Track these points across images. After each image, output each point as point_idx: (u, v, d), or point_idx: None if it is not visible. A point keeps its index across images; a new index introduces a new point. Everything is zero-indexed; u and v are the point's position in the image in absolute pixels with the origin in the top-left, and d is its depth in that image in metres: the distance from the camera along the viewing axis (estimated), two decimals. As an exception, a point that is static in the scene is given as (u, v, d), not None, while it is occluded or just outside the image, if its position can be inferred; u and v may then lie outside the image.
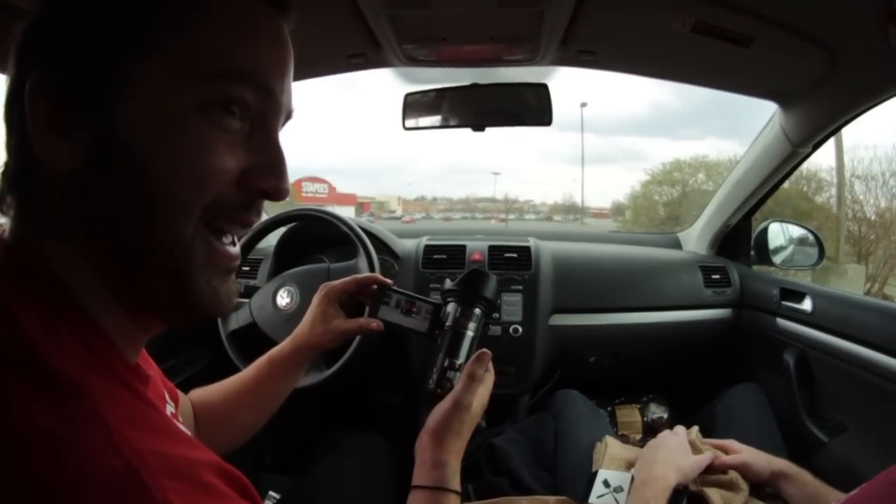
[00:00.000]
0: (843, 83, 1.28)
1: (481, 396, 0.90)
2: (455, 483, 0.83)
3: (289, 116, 0.58)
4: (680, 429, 1.24)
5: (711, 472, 1.17)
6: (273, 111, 0.54)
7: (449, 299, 1.02)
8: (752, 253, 2.04)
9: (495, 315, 1.78)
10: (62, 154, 0.47)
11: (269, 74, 0.52)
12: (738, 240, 2.13)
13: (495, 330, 1.77)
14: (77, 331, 0.46)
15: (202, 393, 1.02)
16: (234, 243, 0.56)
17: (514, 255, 1.88)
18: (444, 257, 1.88)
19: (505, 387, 1.77)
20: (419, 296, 1.06)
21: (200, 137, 0.48)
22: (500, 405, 1.79)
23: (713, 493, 1.11)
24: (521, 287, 1.81)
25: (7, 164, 0.51)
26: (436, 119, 1.58)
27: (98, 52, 0.47)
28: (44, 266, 0.48)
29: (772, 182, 1.82)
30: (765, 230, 1.99)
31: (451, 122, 1.58)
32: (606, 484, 1.13)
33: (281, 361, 1.05)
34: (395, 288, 1.08)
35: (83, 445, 0.38)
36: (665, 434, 1.22)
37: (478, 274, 1.02)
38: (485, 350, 0.92)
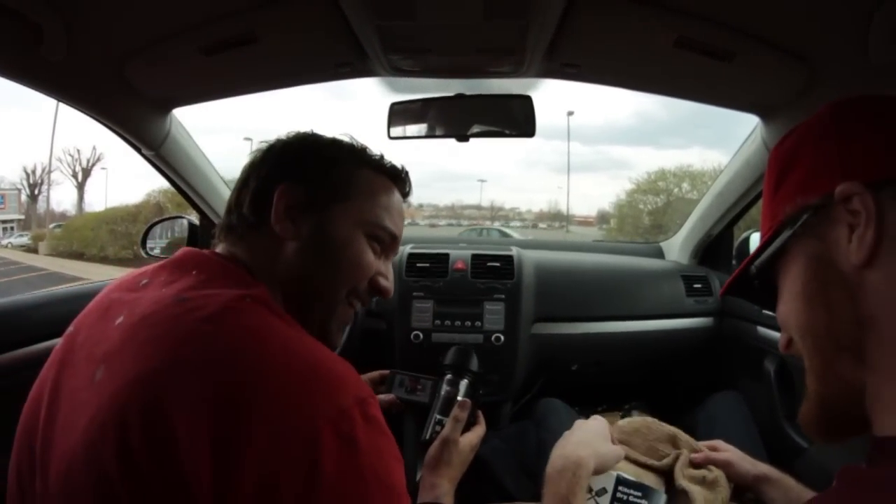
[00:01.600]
0: (824, 96, 1.29)
1: (469, 438, 1.13)
2: (448, 500, 1.03)
3: (397, 251, 1.00)
4: (599, 417, 1.18)
5: (697, 468, 1.17)
6: (394, 246, 0.96)
7: (445, 372, 1.29)
8: (734, 262, 2.06)
9: (477, 323, 1.79)
10: (289, 231, 0.84)
11: (396, 229, 0.93)
12: (720, 249, 2.15)
13: (477, 338, 1.78)
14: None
15: None
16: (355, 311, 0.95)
17: (497, 265, 1.89)
18: (427, 265, 1.89)
19: (487, 395, 1.78)
20: (420, 374, 1.31)
21: (363, 251, 0.89)
22: (482, 413, 1.80)
23: (696, 492, 1.11)
24: (503, 296, 1.83)
25: (243, 217, 0.87)
26: (421, 128, 1.59)
27: (324, 189, 0.88)
28: (251, 273, 0.82)
29: (753, 193, 1.84)
30: (746, 240, 2.01)
31: (437, 132, 1.58)
32: (588, 489, 1.13)
33: None
34: (400, 371, 1.34)
35: (306, 343, 0.71)
36: (580, 421, 1.16)
37: (461, 351, 1.34)
38: (467, 399, 1.18)
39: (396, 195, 0.96)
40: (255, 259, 0.84)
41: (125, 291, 0.80)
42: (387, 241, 0.93)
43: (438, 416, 1.19)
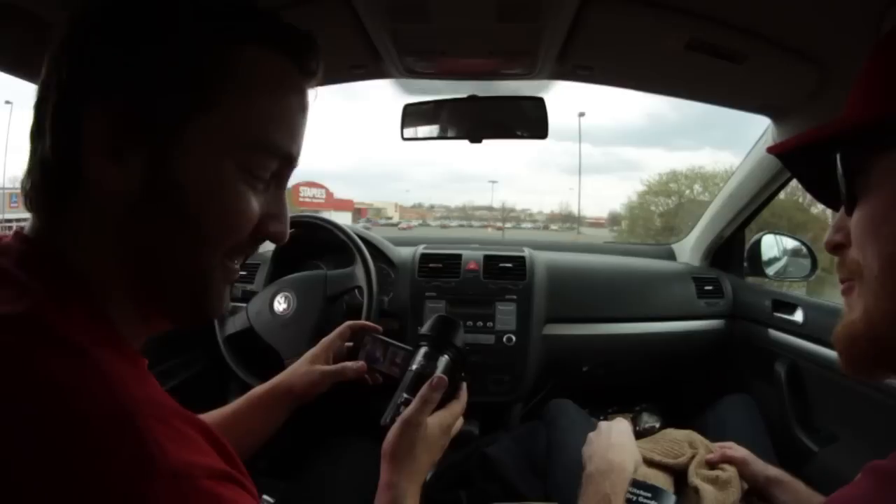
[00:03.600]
0: (835, 97, 1.30)
1: (442, 418, 0.91)
2: (409, 503, 0.84)
3: (294, 166, 0.65)
4: (623, 420, 1.22)
5: (711, 467, 1.18)
6: (288, 172, 0.63)
7: (422, 343, 1.02)
8: (745, 264, 2.06)
9: (489, 324, 1.80)
10: (114, 178, 0.53)
11: (291, 145, 0.60)
12: (732, 251, 2.15)
13: (489, 339, 1.79)
14: (86, 311, 0.52)
15: None
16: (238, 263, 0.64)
17: (509, 265, 1.89)
18: (439, 266, 1.90)
19: (498, 395, 1.79)
20: (395, 342, 1.09)
21: (237, 193, 0.56)
22: (493, 413, 1.81)
23: (708, 492, 1.12)
24: (515, 297, 1.83)
25: (37, 169, 0.55)
26: (434, 130, 1.60)
27: (165, 97, 0.53)
28: (60, 259, 0.53)
29: (765, 195, 1.84)
30: (758, 242, 2.00)
31: (449, 134, 1.59)
32: None
33: (258, 400, 1.04)
34: (375, 334, 1.11)
35: (82, 391, 0.44)
36: (608, 423, 1.19)
37: (446, 321, 1.04)
38: (441, 376, 0.92)
39: (298, 83, 0.61)
40: (69, 234, 0.54)
41: None
42: (278, 167, 0.60)
43: (406, 396, 0.94)
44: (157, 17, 0.54)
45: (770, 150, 0.66)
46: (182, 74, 0.53)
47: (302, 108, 0.62)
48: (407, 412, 0.88)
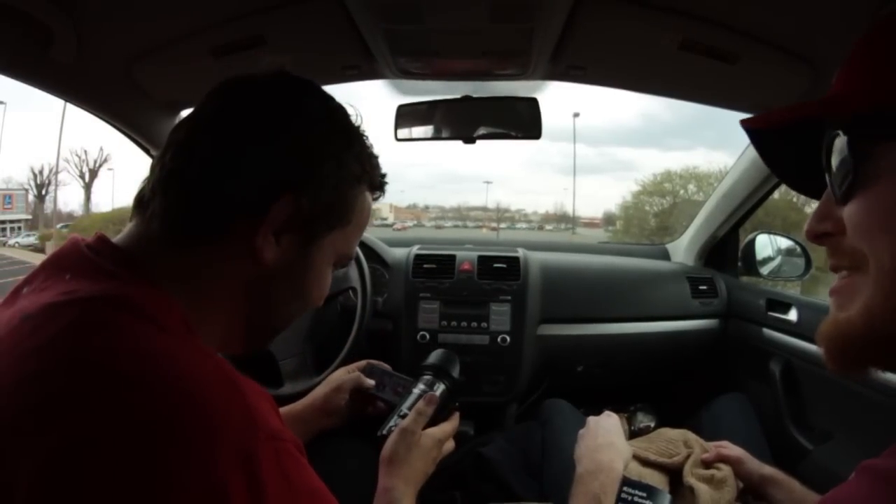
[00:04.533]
0: (827, 98, 1.30)
1: (433, 432, 1.02)
2: None
3: None
4: (612, 414, 1.22)
5: (706, 466, 1.18)
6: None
7: (424, 373, 1.16)
8: (740, 264, 2.06)
9: (484, 324, 1.81)
10: (270, 251, 0.66)
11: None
12: (726, 251, 2.15)
13: (483, 339, 1.80)
14: (177, 313, 0.60)
15: None
16: None
17: (504, 266, 1.89)
18: (434, 267, 1.90)
19: (493, 395, 1.79)
20: (399, 374, 1.24)
21: (328, 276, 0.77)
22: (488, 413, 1.81)
23: (703, 491, 1.12)
24: (509, 297, 1.83)
25: (198, 194, 0.65)
26: (428, 130, 1.60)
27: (325, 213, 0.70)
28: (153, 267, 0.63)
29: (758, 195, 1.85)
30: (752, 241, 2.00)
31: (443, 135, 1.59)
32: None
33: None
34: (381, 367, 1.27)
35: (186, 360, 0.53)
36: (595, 419, 1.19)
37: (447, 355, 1.20)
38: (434, 394, 1.07)
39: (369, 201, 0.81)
40: (184, 260, 0.65)
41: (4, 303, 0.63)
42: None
43: (405, 411, 1.06)
44: (339, 149, 0.71)
45: (744, 122, 0.62)
46: (341, 201, 0.72)
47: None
48: (404, 422, 1.00)
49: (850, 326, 0.52)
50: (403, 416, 1.04)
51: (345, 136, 0.73)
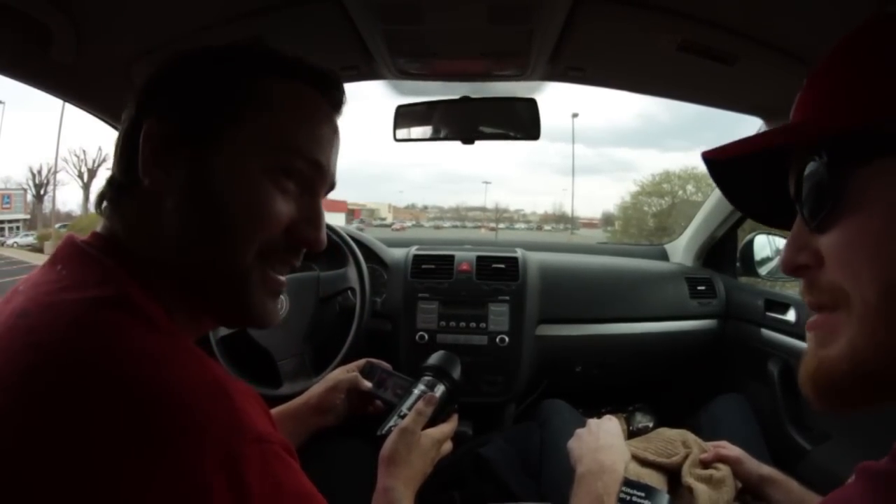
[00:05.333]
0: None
1: (432, 433, 1.03)
2: None
3: (332, 187, 0.74)
4: (612, 417, 1.22)
5: (705, 466, 1.18)
6: (319, 180, 0.70)
7: (425, 373, 1.16)
8: (738, 264, 2.06)
9: (482, 324, 1.81)
10: (161, 184, 0.63)
11: (319, 152, 0.69)
12: (724, 251, 2.15)
13: (482, 339, 1.79)
14: (160, 302, 0.60)
15: None
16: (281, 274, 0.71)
17: (502, 266, 1.89)
18: (432, 267, 1.90)
19: (492, 395, 1.79)
20: (400, 374, 1.24)
21: (263, 190, 0.64)
22: (487, 413, 1.80)
23: (701, 491, 1.12)
24: (508, 297, 1.83)
25: (114, 179, 0.68)
26: (426, 131, 1.60)
27: (202, 116, 0.64)
28: (130, 257, 0.63)
29: (757, 195, 1.84)
30: (751, 242, 1.99)
31: (442, 135, 1.59)
32: None
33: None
34: (381, 366, 1.27)
35: (176, 362, 0.53)
36: (597, 422, 1.20)
37: (448, 356, 1.19)
38: (433, 394, 1.08)
39: (322, 106, 0.72)
40: (131, 233, 0.65)
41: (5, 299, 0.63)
42: (307, 173, 0.68)
43: (405, 411, 1.06)
44: (201, 64, 0.68)
45: (707, 154, 0.57)
46: (214, 99, 0.65)
47: (329, 126, 0.72)
48: (404, 422, 1.01)
49: (835, 367, 0.48)
50: (403, 417, 1.05)
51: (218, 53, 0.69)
